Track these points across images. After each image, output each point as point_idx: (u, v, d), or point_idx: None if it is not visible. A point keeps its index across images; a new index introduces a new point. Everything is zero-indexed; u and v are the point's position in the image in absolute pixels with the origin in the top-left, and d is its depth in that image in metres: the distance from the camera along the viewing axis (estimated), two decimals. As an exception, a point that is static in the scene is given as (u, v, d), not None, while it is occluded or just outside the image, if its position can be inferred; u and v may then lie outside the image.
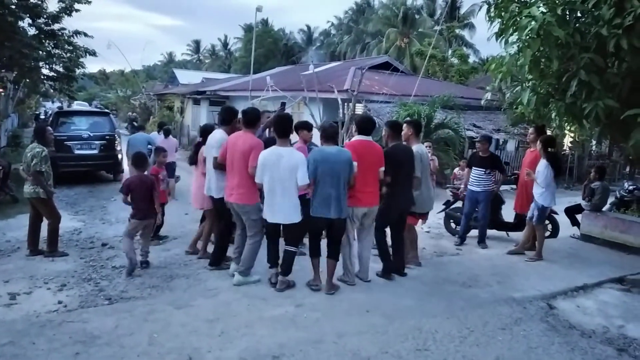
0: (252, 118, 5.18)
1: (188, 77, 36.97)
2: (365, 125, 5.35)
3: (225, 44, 62.61)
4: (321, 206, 4.87)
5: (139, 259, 5.69)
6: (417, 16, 37.88)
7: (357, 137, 5.31)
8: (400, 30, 35.38)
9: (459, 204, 8.47)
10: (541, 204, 6.59)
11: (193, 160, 6.37)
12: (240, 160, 4.97)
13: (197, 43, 67.85)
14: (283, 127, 5.00)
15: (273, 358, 3.69)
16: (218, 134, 5.43)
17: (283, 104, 7.10)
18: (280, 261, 5.08)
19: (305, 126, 6.27)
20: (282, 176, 4.76)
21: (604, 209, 8.06)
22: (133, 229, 5.67)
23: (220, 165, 5.24)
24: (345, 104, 13.69)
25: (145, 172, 5.97)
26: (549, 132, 9.31)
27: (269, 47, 46.42)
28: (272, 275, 5.12)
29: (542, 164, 6.59)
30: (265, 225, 5.13)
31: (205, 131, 6.08)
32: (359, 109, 13.63)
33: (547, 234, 7.08)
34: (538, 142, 6.79)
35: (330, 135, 5.07)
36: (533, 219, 6.72)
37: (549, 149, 6.63)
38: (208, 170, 5.53)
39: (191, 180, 6.49)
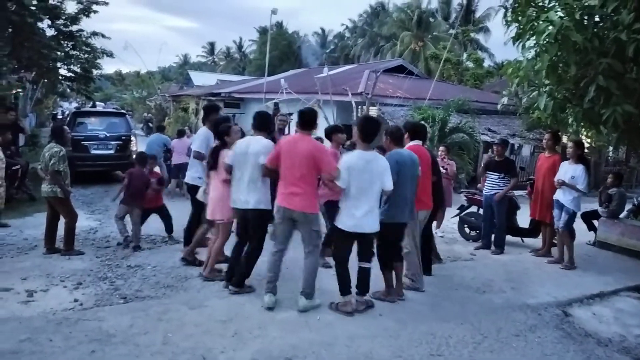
0: (311, 119, 4.81)
1: (203, 79, 37.25)
2: (420, 129, 5.68)
3: (239, 46, 62.90)
4: (396, 211, 4.87)
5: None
6: (431, 19, 37.78)
7: (412, 143, 5.40)
8: (414, 33, 35.30)
9: (473, 208, 8.43)
10: (572, 209, 6.55)
11: (212, 165, 5.37)
12: (303, 165, 4.52)
13: (212, 45, 68.27)
14: (370, 130, 4.69)
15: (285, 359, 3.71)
16: (264, 141, 4.91)
17: (276, 105, 7.11)
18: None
19: (339, 129, 6.29)
20: (370, 182, 4.52)
21: (621, 215, 7.96)
22: (119, 211, 6.72)
23: (271, 172, 4.75)
24: (359, 107, 13.69)
25: (145, 170, 6.88)
26: (564, 138, 9.20)
27: (283, 50, 46.58)
28: (347, 303, 4.58)
29: (580, 168, 6.53)
30: (339, 243, 4.72)
31: (221, 133, 5.42)
32: (373, 112, 13.62)
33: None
34: (572, 146, 6.71)
35: (399, 138, 5.16)
36: (561, 225, 6.65)
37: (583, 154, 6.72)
38: (240, 181, 4.91)
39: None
